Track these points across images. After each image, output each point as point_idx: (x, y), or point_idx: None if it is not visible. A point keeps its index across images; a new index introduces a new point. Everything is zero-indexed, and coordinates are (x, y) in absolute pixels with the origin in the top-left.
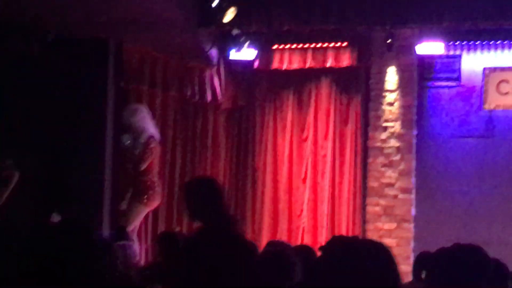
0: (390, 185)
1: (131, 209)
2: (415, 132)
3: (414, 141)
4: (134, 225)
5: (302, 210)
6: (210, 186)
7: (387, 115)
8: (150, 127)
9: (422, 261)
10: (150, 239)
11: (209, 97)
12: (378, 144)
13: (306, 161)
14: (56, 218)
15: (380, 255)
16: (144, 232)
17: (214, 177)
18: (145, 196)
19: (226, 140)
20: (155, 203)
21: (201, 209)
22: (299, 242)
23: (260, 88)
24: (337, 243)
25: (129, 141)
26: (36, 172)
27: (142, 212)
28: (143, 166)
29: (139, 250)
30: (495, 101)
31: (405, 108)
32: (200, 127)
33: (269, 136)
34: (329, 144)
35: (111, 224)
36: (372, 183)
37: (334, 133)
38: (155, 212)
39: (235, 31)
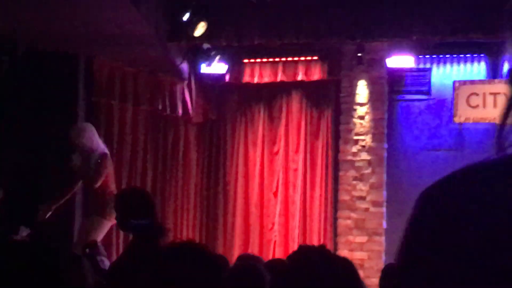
0: (361, 198)
1: (93, 225)
2: (385, 145)
3: (385, 154)
4: (99, 239)
5: (273, 224)
6: (141, 196)
7: (358, 129)
8: (100, 144)
9: (388, 273)
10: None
11: (180, 111)
12: (349, 157)
13: (277, 174)
14: (24, 232)
15: (345, 266)
16: (116, 245)
17: (144, 188)
18: (107, 210)
19: (197, 153)
20: (110, 223)
21: (131, 220)
22: (270, 256)
23: (231, 102)
24: (303, 253)
25: (78, 162)
26: (5, 187)
27: (106, 227)
28: (98, 184)
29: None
30: (465, 114)
31: (375, 121)
32: (171, 140)
33: (240, 150)
34: (300, 157)
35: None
36: (343, 197)
37: (305, 146)
38: None
39: (205, 45)
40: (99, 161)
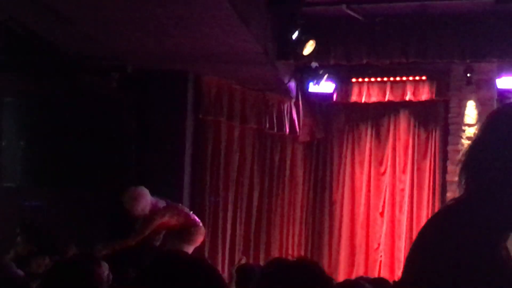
0: None
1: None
2: None
3: None
4: None
5: (379, 244)
6: None
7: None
8: (153, 204)
9: None
10: (227, 270)
11: (287, 129)
12: (457, 178)
13: (383, 194)
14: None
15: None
16: (221, 263)
17: None
18: (187, 237)
19: (304, 172)
20: (200, 239)
21: None
22: (376, 276)
23: (338, 121)
24: (275, 266)
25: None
26: (109, 205)
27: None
28: (139, 237)
29: None
30: None
31: None
32: (277, 159)
33: (346, 169)
34: (407, 178)
35: None
36: None
37: (413, 167)
38: (232, 243)
39: (314, 64)
40: (148, 218)
